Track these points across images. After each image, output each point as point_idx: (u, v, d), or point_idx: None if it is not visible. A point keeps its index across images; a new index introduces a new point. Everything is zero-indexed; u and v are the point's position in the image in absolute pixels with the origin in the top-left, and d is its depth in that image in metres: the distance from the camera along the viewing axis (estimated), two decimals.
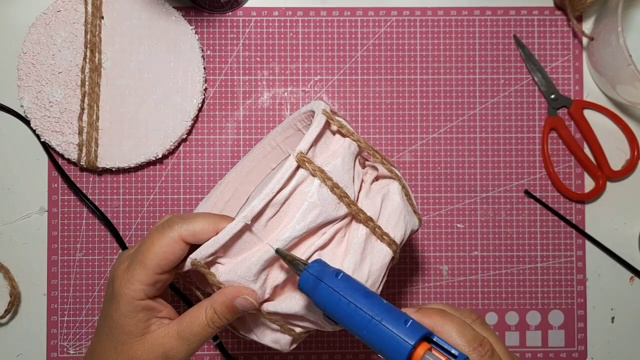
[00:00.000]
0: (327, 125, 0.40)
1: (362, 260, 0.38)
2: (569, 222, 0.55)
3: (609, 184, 0.55)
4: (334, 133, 0.40)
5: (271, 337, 0.40)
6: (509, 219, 0.55)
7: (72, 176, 0.54)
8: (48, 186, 0.54)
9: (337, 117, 0.40)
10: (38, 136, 0.53)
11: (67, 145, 0.52)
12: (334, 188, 0.37)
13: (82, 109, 0.52)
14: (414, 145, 0.55)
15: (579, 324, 0.55)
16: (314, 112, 0.42)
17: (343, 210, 0.37)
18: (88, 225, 0.54)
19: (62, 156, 0.53)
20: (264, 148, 0.50)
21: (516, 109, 0.55)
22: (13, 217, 0.54)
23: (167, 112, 0.53)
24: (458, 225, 0.55)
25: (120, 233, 0.54)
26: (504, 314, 0.55)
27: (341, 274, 0.33)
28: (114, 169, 0.53)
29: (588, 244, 0.55)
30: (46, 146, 0.54)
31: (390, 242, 0.39)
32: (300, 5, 0.55)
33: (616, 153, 0.55)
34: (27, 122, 0.53)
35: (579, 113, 0.55)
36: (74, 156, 0.52)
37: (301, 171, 0.37)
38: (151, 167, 0.54)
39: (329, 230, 0.38)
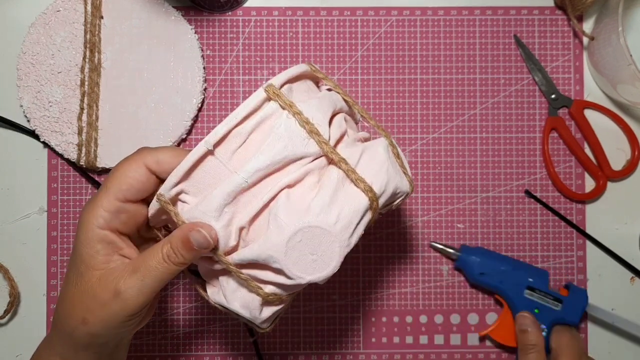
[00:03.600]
0: (311, 76, 0.38)
1: (332, 202, 0.35)
2: (569, 222, 0.55)
3: (609, 184, 0.55)
4: (320, 89, 0.39)
5: (240, 301, 0.38)
6: (509, 219, 0.55)
7: (71, 176, 0.54)
8: (48, 186, 0.54)
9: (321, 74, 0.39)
10: (38, 136, 0.53)
11: (67, 145, 0.52)
12: (304, 123, 0.35)
13: (82, 108, 0.52)
14: (414, 145, 0.55)
15: (579, 324, 0.54)
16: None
17: (313, 147, 0.35)
18: None
19: (61, 156, 0.53)
20: None
21: (516, 108, 0.55)
22: (13, 217, 0.54)
23: (167, 112, 0.52)
24: (458, 225, 0.55)
25: None
26: None
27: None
28: None
29: (588, 244, 0.55)
30: (46, 146, 0.54)
31: (367, 189, 0.36)
32: (300, 5, 0.55)
33: (617, 153, 0.55)
34: (29, 133, 0.53)
35: (579, 113, 0.55)
36: (73, 156, 0.52)
37: (271, 104, 0.35)
38: None
39: (299, 169, 0.35)
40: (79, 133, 0.52)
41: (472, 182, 0.55)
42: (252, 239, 0.36)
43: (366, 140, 0.41)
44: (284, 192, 0.35)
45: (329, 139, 0.36)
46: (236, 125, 0.34)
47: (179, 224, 0.36)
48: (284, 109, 0.35)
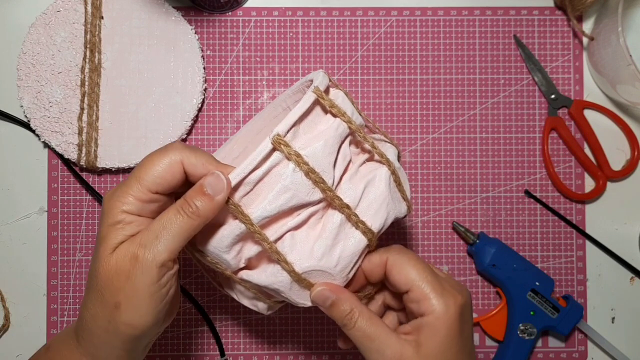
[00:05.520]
0: (317, 102, 0.38)
1: (334, 245, 0.38)
2: (569, 222, 0.55)
3: (609, 184, 0.55)
4: (326, 112, 0.39)
5: (249, 301, 0.42)
6: (509, 219, 0.55)
7: (71, 176, 0.54)
8: (48, 186, 0.54)
9: (330, 96, 0.39)
10: (38, 136, 0.53)
11: (67, 145, 0.52)
12: (309, 173, 0.36)
13: (82, 109, 0.52)
14: (414, 145, 0.55)
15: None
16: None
17: (317, 195, 0.37)
18: (88, 225, 0.54)
19: (61, 156, 0.53)
20: (275, 109, 0.49)
21: (516, 109, 0.55)
22: (13, 217, 0.54)
23: (167, 112, 0.53)
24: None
25: None
26: None
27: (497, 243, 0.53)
28: (113, 169, 0.53)
29: (588, 244, 0.55)
30: (46, 146, 0.54)
31: (366, 230, 0.38)
32: (300, 5, 0.55)
33: (616, 153, 0.55)
34: (26, 126, 0.53)
35: (579, 113, 0.55)
36: (73, 156, 0.52)
37: (277, 153, 0.36)
38: None
39: (303, 213, 0.37)
40: (79, 133, 0.52)
41: (472, 182, 0.55)
42: (261, 264, 0.39)
43: (370, 159, 0.41)
44: (288, 234, 0.37)
45: (334, 183, 0.38)
46: (246, 176, 0.36)
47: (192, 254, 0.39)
48: (289, 159, 0.36)
